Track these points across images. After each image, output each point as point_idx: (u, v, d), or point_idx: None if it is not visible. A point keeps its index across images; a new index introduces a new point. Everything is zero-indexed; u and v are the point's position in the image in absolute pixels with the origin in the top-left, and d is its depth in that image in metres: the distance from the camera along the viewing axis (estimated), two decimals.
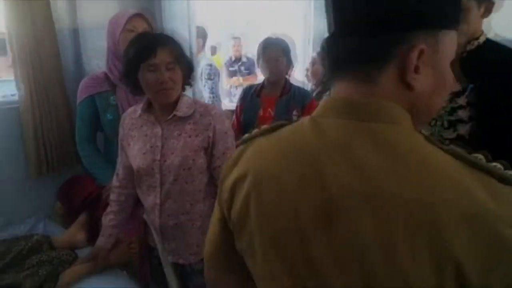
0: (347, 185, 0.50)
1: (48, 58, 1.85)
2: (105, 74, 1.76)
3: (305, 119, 0.59)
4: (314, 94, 2.39)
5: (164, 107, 1.34)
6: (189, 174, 1.34)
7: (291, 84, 2.10)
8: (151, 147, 1.34)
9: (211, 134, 1.34)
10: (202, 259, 1.46)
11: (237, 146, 0.67)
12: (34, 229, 1.89)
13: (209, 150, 1.36)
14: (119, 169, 1.49)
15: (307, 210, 0.53)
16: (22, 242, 1.61)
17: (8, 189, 1.94)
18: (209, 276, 0.76)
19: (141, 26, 1.71)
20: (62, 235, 1.78)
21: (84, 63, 2.06)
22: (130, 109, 1.45)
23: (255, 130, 0.65)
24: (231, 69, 4.87)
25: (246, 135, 0.66)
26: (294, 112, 2.01)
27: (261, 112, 2.04)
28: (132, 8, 1.83)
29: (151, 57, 1.22)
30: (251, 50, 5.07)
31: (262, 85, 2.12)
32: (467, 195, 0.46)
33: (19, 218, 1.94)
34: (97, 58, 2.06)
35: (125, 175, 1.47)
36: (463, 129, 1.24)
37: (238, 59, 4.86)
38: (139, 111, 1.37)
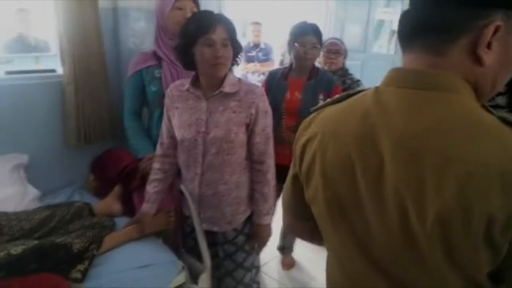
0: (396, 144, 0.57)
1: (90, 35, 1.93)
2: (153, 51, 1.87)
3: (370, 89, 0.67)
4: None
5: (211, 83, 1.42)
6: (230, 147, 1.43)
7: (318, 69, 2.15)
8: (196, 119, 1.43)
9: (253, 112, 1.43)
10: (234, 228, 1.57)
11: (311, 113, 0.76)
12: (70, 199, 1.99)
13: (250, 126, 1.46)
14: (164, 138, 1.58)
15: (362, 170, 0.62)
16: (65, 208, 1.72)
17: (46, 159, 2.05)
18: (286, 221, 0.90)
19: (188, 6, 1.79)
20: (97, 204, 1.88)
21: (121, 41, 2.14)
22: (177, 82, 1.54)
23: (328, 100, 0.75)
24: (249, 54, 4.88)
25: (320, 104, 0.76)
26: (321, 96, 2.06)
27: (288, 95, 2.09)
28: None
29: (209, 33, 1.32)
30: (268, 37, 5.11)
31: (289, 68, 2.15)
32: (510, 153, 0.50)
33: (55, 188, 2.05)
34: (133, 37, 2.14)
35: (169, 144, 1.57)
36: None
37: (256, 45, 4.85)
38: (186, 85, 1.46)
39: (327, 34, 3.88)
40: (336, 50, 2.44)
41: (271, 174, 1.54)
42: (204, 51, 1.34)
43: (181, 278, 1.62)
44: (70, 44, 1.88)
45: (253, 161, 1.53)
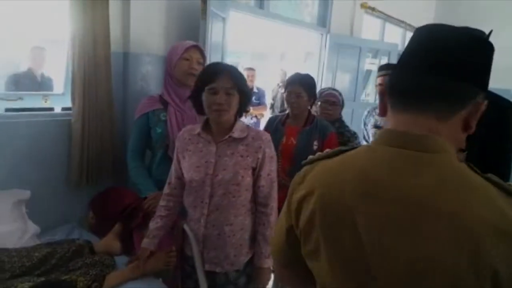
0: (396, 203, 0.62)
1: (102, 78, 2.03)
2: (159, 95, 2.00)
3: (363, 146, 0.74)
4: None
5: (220, 128, 1.52)
6: (236, 190, 1.51)
7: (314, 117, 2.26)
8: (206, 162, 1.51)
9: (260, 156, 1.53)
10: (237, 269, 1.60)
11: (303, 165, 0.80)
12: (69, 236, 1.99)
13: (256, 170, 1.55)
14: (172, 178, 1.66)
15: (366, 226, 0.64)
16: (66, 245, 1.72)
17: (47, 195, 2.06)
18: (276, 269, 0.95)
19: (195, 56, 1.95)
20: (98, 243, 1.89)
21: (129, 84, 2.24)
22: (189, 126, 1.64)
23: (319, 153, 0.79)
24: None
25: (311, 157, 0.80)
26: (315, 143, 2.17)
27: (284, 140, 2.21)
28: (181, 38, 2.05)
29: (213, 82, 1.45)
30: (259, 82, 5.32)
31: (287, 116, 2.29)
32: (500, 213, 0.57)
33: (55, 224, 2.05)
34: (141, 81, 2.24)
35: (176, 184, 1.64)
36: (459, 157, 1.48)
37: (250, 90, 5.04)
38: (198, 129, 1.56)
39: (321, 82, 4.10)
40: (333, 101, 2.48)
41: (274, 217, 1.59)
42: (208, 98, 1.47)
43: None
44: (82, 84, 1.97)
45: (258, 203, 1.60)
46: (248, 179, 1.53)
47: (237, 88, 1.48)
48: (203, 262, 1.59)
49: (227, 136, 1.51)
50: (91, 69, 1.98)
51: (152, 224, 1.67)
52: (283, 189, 1.84)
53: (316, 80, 3.80)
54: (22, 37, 2.51)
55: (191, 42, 1.97)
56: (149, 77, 2.22)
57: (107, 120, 2.10)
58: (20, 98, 2.06)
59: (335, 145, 2.21)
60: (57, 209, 2.11)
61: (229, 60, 2.87)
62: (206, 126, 1.56)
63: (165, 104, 1.97)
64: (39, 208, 1.99)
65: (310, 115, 2.25)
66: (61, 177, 2.12)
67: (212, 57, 2.56)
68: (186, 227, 1.67)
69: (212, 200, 1.52)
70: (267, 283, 1.65)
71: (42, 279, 1.40)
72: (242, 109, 1.57)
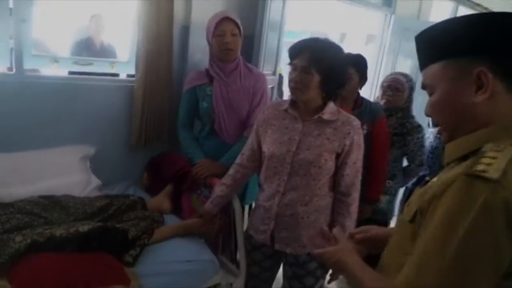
0: None
1: (163, 49, 2.15)
2: (206, 69, 2.07)
3: None
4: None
5: (308, 107, 1.48)
6: (317, 173, 1.45)
7: (363, 99, 2.17)
8: (289, 139, 1.47)
9: (347, 143, 1.45)
10: (308, 253, 1.55)
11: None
12: (126, 192, 2.18)
13: (341, 156, 1.47)
14: (245, 149, 1.67)
15: None
16: (122, 199, 1.91)
17: (109, 154, 2.26)
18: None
19: (228, 29, 1.92)
20: (149, 200, 2.06)
21: (189, 57, 2.35)
22: (276, 101, 1.65)
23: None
24: None
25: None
26: (364, 127, 2.02)
27: None
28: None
29: (292, 59, 1.43)
30: None
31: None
32: None
33: (114, 180, 2.25)
34: (199, 53, 2.34)
35: (249, 156, 1.65)
36: None
37: None
38: (286, 105, 1.52)
39: (381, 66, 3.97)
40: (396, 87, 2.28)
41: (354, 208, 1.54)
42: (288, 75, 1.45)
43: (218, 278, 1.75)
44: (145, 54, 2.11)
45: (339, 192, 1.53)
46: (331, 163, 1.46)
47: (317, 68, 1.38)
48: (274, 242, 1.56)
49: (316, 116, 1.46)
50: (154, 39, 2.10)
51: (217, 191, 1.72)
52: None
53: (376, 63, 3.64)
54: (84, 5, 2.61)
55: (221, 15, 1.94)
56: (207, 50, 2.30)
57: (166, 90, 2.23)
58: (90, 64, 2.25)
59: (384, 133, 2.14)
60: (117, 167, 2.31)
61: (286, 40, 2.86)
62: (295, 103, 1.52)
63: (211, 78, 2.03)
64: (102, 164, 2.20)
65: (359, 97, 2.16)
66: (122, 138, 2.31)
67: (269, 36, 2.58)
68: (236, 203, 1.77)
69: (290, 179, 1.47)
70: (338, 275, 1.46)
71: (100, 224, 1.56)
72: (328, 91, 1.47)
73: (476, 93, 0.75)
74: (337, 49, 1.46)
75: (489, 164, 0.67)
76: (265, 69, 2.68)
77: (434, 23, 0.83)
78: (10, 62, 1.94)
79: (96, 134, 2.20)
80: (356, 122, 1.50)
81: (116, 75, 2.41)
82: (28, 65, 1.98)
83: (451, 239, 0.67)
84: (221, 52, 1.95)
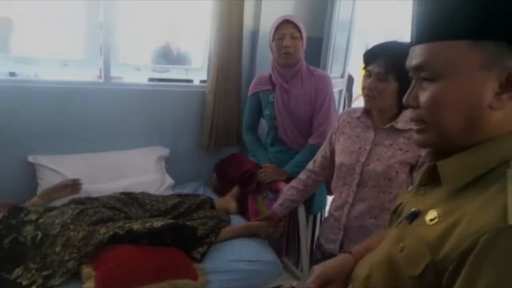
0: None
1: (233, 55, 2.25)
2: (270, 74, 2.07)
3: None
4: None
5: (382, 115, 1.38)
6: (387, 185, 1.35)
7: None
8: (359, 148, 1.40)
9: (422, 155, 1.31)
10: None
11: None
12: (196, 191, 2.31)
13: (416, 168, 1.32)
14: (318, 156, 1.63)
15: None
16: (192, 198, 2.02)
17: (182, 155, 2.41)
18: None
19: (288, 32, 1.88)
20: (217, 200, 2.15)
21: (257, 62, 2.42)
22: (350, 109, 1.56)
23: None
24: None
25: None
26: None
27: None
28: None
29: (367, 65, 1.35)
30: None
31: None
32: None
33: (185, 180, 2.40)
34: (268, 58, 2.39)
35: (321, 163, 1.61)
36: None
37: None
38: (359, 113, 1.45)
39: None
40: None
41: None
42: (362, 82, 1.37)
43: (280, 280, 1.77)
44: (216, 60, 2.21)
45: None
46: (403, 176, 1.32)
47: (393, 75, 1.27)
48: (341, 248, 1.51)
49: (388, 125, 1.35)
50: (225, 46, 2.20)
51: (288, 194, 1.72)
52: None
53: None
54: (161, 13, 2.80)
55: (281, 18, 1.90)
56: None
57: (235, 94, 2.33)
58: (167, 71, 2.42)
59: None
60: (189, 167, 2.46)
61: (357, 39, 2.80)
62: (368, 111, 1.43)
63: (273, 84, 2.03)
64: (175, 164, 2.36)
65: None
66: (194, 140, 2.45)
67: (338, 37, 2.55)
68: (301, 211, 1.78)
69: (360, 190, 1.40)
70: None
71: (172, 221, 1.68)
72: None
73: (499, 95, 0.58)
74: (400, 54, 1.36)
75: None
76: (333, 71, 2.65)
77: None
78: (99, 71, 2.16)
79: (171, 136, 2.36)
80: None
81: (190, 81, 2.55)
82: (114, 73, 2.19)
83: None
84: (280, 56, 1.93)
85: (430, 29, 0.62)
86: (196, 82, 2.52)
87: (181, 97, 2.36)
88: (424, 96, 0.63)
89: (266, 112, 2.08)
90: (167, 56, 3.07)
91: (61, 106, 1.99)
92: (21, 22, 2.35)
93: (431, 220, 0.61)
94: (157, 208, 1.88)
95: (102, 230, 1.52)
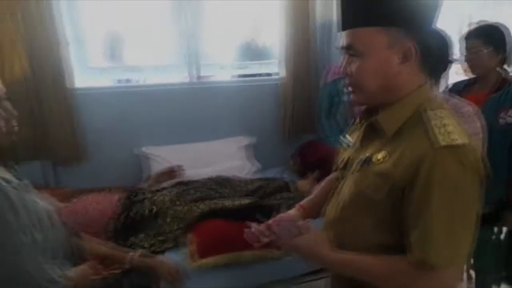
0: None
1: (306, 46, 2.41)
2: None
3: None
4: None
5: None
6: None
7: (505, 80, 1.74)
8: None
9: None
10: None
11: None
12: (278, 175, 2.53)
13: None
14: None
15: None
16: (274, 181, 2.25)
17: (267, 143, 2.66)
18: None
19: None
20: (295, 184, 2.34)
21: (332, 53, 2.54)
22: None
23: None
24: None
25: None
26: (501, 115, 1.61)
27: None
28: None
29: None
30: None
31: (474, 80, 1.84)
32: None
33: (268, 165, 2.64)
34: None
35: None
36: None
37: None
38: None
39: None
40: None
41: None
42: None
43: None
44: (292, 53, 2.40)
45: None
46: None
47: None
48: None
49: None
50: (298, 38, 2.37)
51: None
52: None
53: None
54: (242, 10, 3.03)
55: None
56: None
57: (310, 84, 2.49)
58: (248, 66, 2.67)
59: None
60: (271, 154, 2.69)
61: None
62: None
63: None
64: (260, 151, 2.62)
65: (502, 78, 1.75)
66: (276, 129, 2.68)
67: None
68: None
69: None
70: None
71: (257, 199, 1.93)
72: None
73: (401, 64, 0.82)
74: None
75: (449, 133, 0.76)
76: None
77: None
78: (189, 72, 2.50)
79: (256, 126, 2.63)
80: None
81: (270, 74, 2.77)
82: (202, 73, 2.52)
83: (457, 210, 0.76)
84: None
85: (351, 19, 0.85)
86: (276, 75, 2.73)
87: (262, 90, 2.60)
88: (352, 68, 0.86)
89: (344, 98, 2.21)
90: (250, 51, 3.33)
91: (161, 104, 2.38)
92: (127, 36, 2.80)
93: (383, 158, 0.85)
94: (246, 189, 2.14)
95: (201, 206, 1.82)
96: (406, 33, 0.81)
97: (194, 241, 1.70)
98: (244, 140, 2.56)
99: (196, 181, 2.10)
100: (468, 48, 1.74)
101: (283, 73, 2.53)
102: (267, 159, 2.61)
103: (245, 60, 3.08)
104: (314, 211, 1.19)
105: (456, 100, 1.42)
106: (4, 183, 1.02)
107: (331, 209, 1.01)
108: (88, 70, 2.34)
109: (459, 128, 0.79)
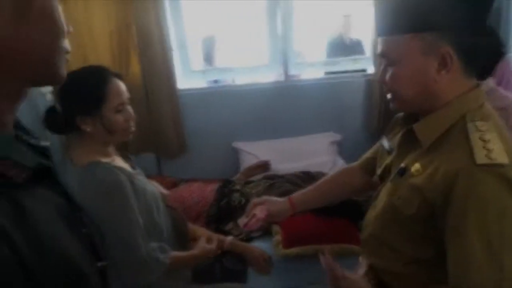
0: None
1: None
2: None
3: None
4: None
5: None
6: None
7: None
8: None
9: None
10: None
11: None
12: None
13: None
14: None
15: None
16: None
17: (354, 139, 2.66)
18: None
19: None
20: None
21: None
22: None
23: None
24: None
25: None
26: None
27: None
28: None
29: None
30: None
31: None
32: None
33: (354, 160, 2.63)
34: None
35: None
36: None
37: None
38: None
39: None
40: None
41: None
42: None
43: None
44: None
45: None
46: None
47: None
48: None
49: None
50: None
51: None
52: None
53: None
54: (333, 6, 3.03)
55: None
56: None
57: None
58: (339, 63, 2.70)
59: None
60: (359, 150, 2.67)
61: None
62: None
63: None
64: (347, 148, 2.63)
65: None
66: (363, 126, 2.66)
67: None
68: None
69: None
70: None
71: None
72: None
73: (439, 71, 0.78)
74: None
75: (490, 150, 0.71)
76: None
77: None
78: (280, 71, 2.62)
79: (343, 123, 2.66)
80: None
81: (361, 70, 2.75)
82: (292, 72, 2.61)
83: (496, 235, 0.70)
84: None
85: (384, 27, 0.83)
86: (367, 71, 2.71)
87: (350, 87, 2.61)
88: (387, 76, 0.85)
89: None
90: (341, 47, 3.33)
91: (253, 102, 2.54)
92: (220, 39, 3.04)
93: (416, 171, 0.81)
94: None
95: None
96: (442, 37, 0.75)
97: (280, 231, 1.82)
98: (331, 137, 2.61)
99: (282, 176, 2.22)
100: None
101: (371, 69, 2.50)
102: (353, 157, 2.61)
103: (336, 56, 3.11)
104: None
105: (502, 91, 1.37)
106: (125, 171, 1.24)
107: (369, 220, 1.00)
108: (190, 73, 2.60)
109: (502, 146, 0.73)
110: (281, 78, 2.62)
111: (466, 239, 0.71)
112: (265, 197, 1.23)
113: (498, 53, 1.15)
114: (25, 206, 0.45)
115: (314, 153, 2.50)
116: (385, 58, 0.84)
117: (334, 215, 1.88)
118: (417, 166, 0.82)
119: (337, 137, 2.63)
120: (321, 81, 2.66)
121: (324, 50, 3.36)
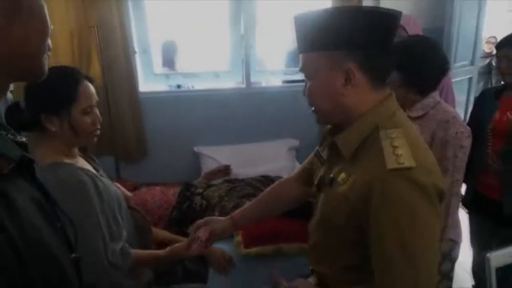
0: None
1: None
2: None
3: None
4: None
5: None
6: None
7: None
8: None
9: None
10: None
11: None
12: None
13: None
14: None
15: None
16: None
17: (310, 146, 2.69)
18: None
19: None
20: None
21: None
22: None
23: None
24: None
25: None
26: None
27: (497, 116, 1.79)
28: (425, 15, 2.20)
29: None
30: None
31: (506, 85, 1.84)
32: None
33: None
34: None
35: None
36: None
37: None
38: None
39: None
40: None
41: None
42: None
43: None
44: None
45: None
46: None
47: None
48: None
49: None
50: None
51: None
52: (494, 173, 1.75)
53: None
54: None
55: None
56: None
57: None
58: (297, 72, 2.80)
59: None
60: None
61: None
62: None
63: None
64: (304, 153, 2.73)
65: None
66: (320, 131, 2.78)
67: (463, 21, 2.54)
68: None
69: None
70: None
71: None
72: None
73: (345, 86, 0.83)
74: None
75: (398, 155, 0.76)
76: (458, 61, 2.63)
77: (310, 11, 0.84)
78: (241, 78, 2.69)
79: (300, 129, 2.75)
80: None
81: None
82: (254, 79, 2.69)
83: (409, 234, 0.75)
84: None
85: (300, 44, 0.89)
86: None
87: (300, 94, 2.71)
88: (306, 90, 0.92)
89: None
90: (299, 57, 3.46)
91: (215, 108, 2.59)
92: (182, 44, 3.06)
93: (342, 180, 0.86)
94: None
95: (248, 202, 1.98)
96: (347, 55, 0.81)
97: (240, 232, 1.87)
98: (289, 143, 2.71)
99: (242, 180, 2.28)
100: (500, 56, 1.77)
101: None
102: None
103: (295, 66, 3.23)
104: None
105: (445, 105, 1.47)
106: (89, 172, 1.24)
107: (312, 228, 1.04)
108: (153, 77, 2.60)
109: (409, 150, 0.78)
110: (243, 85, 2.69)
111: (384, 244, 0.76)
112: (206, 218, 1.26)
113: (442, 69, 1.23)
114: (11, 196, 0.47)
115: (273, 158, 2.58)
116: (303, 73, 0.90)
117: (293, 216, 1.96)
118: (342, 176, 0.87)
119: (295, 143, 2.74)
120: (281, 89, 2.76)
121: (283, 60, 3.47)
